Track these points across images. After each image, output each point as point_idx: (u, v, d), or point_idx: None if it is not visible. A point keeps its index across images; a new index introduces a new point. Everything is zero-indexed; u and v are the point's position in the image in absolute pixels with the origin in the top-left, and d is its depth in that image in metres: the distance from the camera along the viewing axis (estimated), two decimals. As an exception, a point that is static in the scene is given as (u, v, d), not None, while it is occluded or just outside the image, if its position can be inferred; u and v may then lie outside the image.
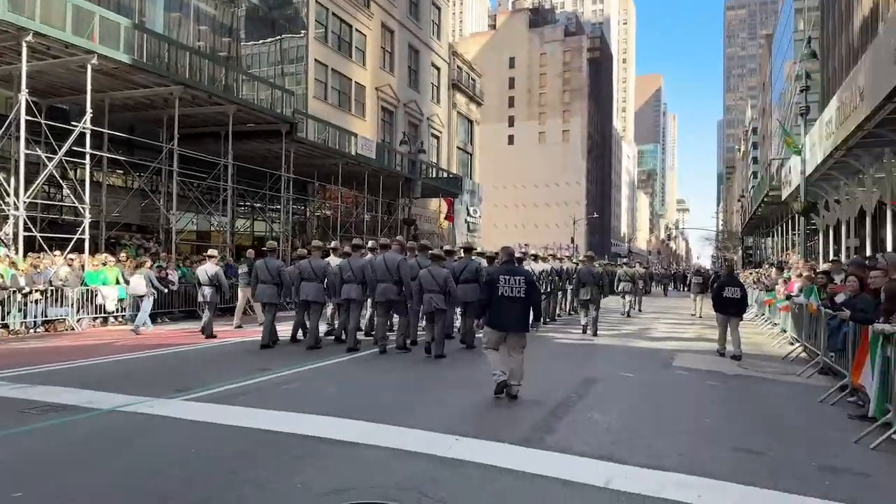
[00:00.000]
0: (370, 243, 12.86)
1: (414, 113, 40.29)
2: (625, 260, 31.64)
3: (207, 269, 12.37)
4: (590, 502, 4.11)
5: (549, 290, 16.01)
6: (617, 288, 20.53)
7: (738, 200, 77.70)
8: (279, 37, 29.89)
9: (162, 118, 19.10)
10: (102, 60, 15.03)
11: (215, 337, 11.97)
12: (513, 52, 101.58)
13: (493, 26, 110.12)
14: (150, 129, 20.57)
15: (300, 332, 11.50)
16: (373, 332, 11.32)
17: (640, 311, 21.90)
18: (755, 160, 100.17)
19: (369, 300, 11.48)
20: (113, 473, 4.49)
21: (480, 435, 5.58)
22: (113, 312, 14.45)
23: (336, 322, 11.97)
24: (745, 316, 12.04)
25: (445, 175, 40.09)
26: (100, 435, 5.51)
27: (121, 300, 14.59)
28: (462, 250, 12.32)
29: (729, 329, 11.01)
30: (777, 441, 5.71)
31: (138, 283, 13.10)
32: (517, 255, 10.52)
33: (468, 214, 42.59)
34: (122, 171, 21.38)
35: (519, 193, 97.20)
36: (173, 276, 16.08)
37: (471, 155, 51.00)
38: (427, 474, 4.53)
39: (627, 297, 20.00)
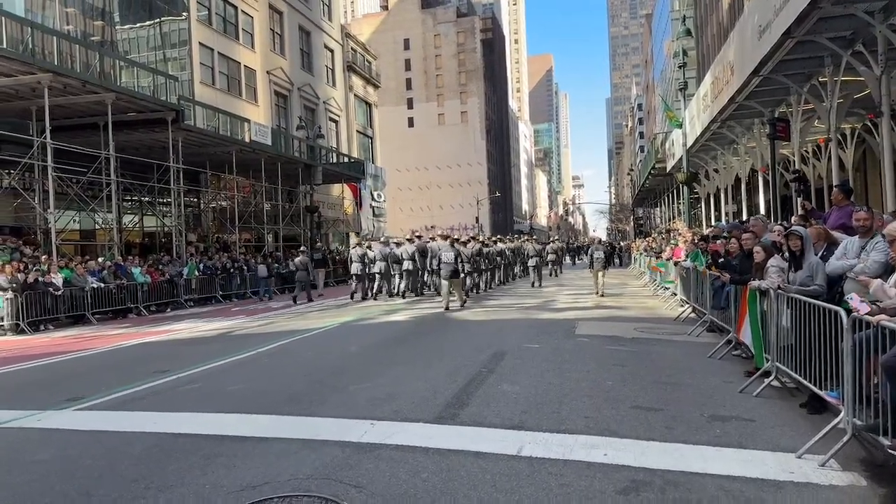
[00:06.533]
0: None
1: (309, 97, 39.27)
2: (550, 238, 41.45)
3: (300, 259, 19.24)
4: (503, 471, 4.23)
5: (509, 262, 24.29)
6: (546, 258, 27.86)
7: (628, 174, 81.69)
8: (158, 20, 28.09)
9: (31, 109, 17.59)
10: (-47, 47, 13.63)
11: (312, 300, 18.66)
12: (407, 34, 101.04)
13: (386, 7, 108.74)
14: (17, 122, 18.86)
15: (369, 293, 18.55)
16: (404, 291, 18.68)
17: (560, 272, 29.24)
18: (641, 135, 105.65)
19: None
20: (-2, 496, 4.14)
21: (395, 417, 5.60)
22: (-12, 323, 13.30)
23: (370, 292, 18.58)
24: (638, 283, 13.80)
25: (347, 160, 39.44)
26: (-20, 456, 5.05)
27: (-4, 309, 13.44)
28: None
29: (599, 276, 17.42)
30: (671, 396, 6.12)
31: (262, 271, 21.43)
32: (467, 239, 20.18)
33: (373, 199, 42.14)
34: (-13, 169, 19.51)
35: (422, 176, 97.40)
36: (57, 279, 14.97)
37: (371, 139, 50.41)
38: (342, 461, 4.50)
39: (552, 266, 28.65)
